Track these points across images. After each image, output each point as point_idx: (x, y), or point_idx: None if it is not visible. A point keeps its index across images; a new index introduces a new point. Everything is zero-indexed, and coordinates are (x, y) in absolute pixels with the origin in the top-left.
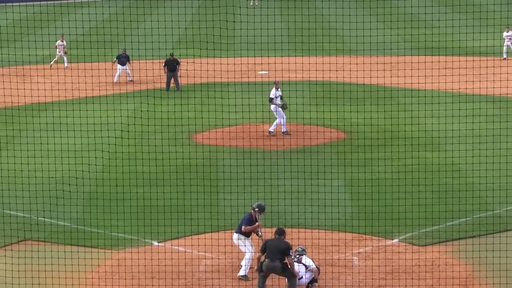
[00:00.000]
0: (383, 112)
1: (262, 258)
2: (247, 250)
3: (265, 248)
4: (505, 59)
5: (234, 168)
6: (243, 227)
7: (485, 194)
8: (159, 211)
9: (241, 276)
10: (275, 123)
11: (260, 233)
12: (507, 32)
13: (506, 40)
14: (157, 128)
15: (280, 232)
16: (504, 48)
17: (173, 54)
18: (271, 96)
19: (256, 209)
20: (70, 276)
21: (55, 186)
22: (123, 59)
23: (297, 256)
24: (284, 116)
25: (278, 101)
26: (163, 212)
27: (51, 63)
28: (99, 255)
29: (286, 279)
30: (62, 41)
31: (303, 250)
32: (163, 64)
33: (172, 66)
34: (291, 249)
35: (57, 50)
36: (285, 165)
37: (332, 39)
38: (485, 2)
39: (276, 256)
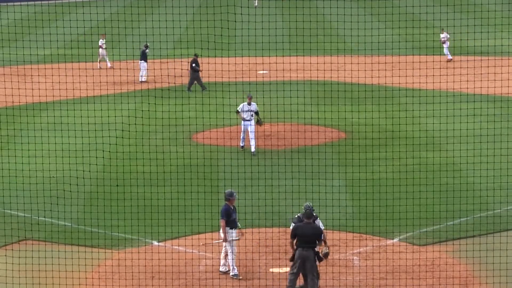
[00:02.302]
0: (383, 112)
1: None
2: (234, 250)
3: (295, 235)
4: (450, 59)
5: (234, 168)
6: (221, 220)
7: (485, 194)
8: (159, 211)
9: (234, 275)
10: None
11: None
12: (443, 33)
13: (446, 41)
14: (157, 128)
15: (309, 216)
16: (445, 49)
17: (197, 54)
18: (238, 109)
19: (229, 198)
20: (70, 276)
21: (55, 186)
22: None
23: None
24: (251, 131)
25: (245, 115)
26: (163, 212)
27: (99, 64)
28: (99, 255)
29: (307, 278)
30: (103, 40)
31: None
32: (192, 63)
33: (198, 66)
34: (322, 233)
35: (100, 49)
36: (286, 165)
37: (332, 39)
38: (485, 2)
39: (309, 244)
